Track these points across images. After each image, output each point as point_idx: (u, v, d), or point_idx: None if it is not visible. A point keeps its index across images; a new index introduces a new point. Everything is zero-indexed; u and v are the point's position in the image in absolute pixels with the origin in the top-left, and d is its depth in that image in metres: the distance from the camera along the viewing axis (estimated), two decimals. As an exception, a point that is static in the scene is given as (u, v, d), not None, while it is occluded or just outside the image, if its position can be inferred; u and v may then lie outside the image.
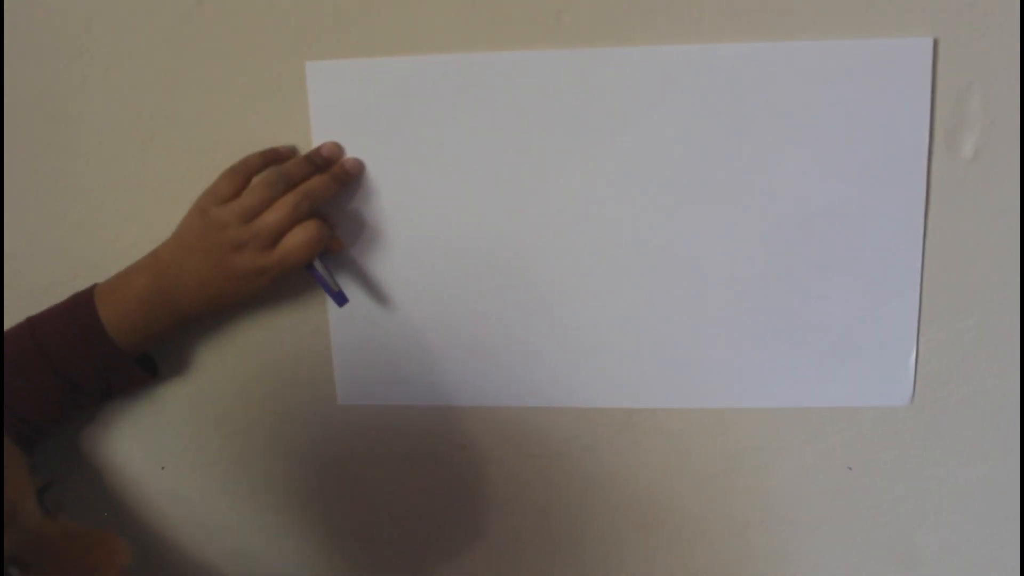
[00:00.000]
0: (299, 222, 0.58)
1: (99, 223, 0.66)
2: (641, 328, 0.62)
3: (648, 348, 0.63)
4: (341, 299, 0.61)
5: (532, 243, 0.61)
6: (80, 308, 0.60)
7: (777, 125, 0.58)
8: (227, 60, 0.61)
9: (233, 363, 0.67)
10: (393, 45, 0.59)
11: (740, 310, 0.61)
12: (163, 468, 0.70)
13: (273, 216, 0.57)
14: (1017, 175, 0.58)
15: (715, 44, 0.57)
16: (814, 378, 0.62)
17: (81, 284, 0.61)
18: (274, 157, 0.61)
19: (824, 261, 0.60)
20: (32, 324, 0.60)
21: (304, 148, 0.62)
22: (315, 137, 0.61)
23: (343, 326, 0.65)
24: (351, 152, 0.61)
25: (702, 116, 0.58)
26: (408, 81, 0.60)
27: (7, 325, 0.60)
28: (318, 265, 0.60)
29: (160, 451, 0.70)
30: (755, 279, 0.61)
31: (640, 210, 0.60)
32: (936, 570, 0.66)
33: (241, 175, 0.59)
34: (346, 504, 0.70)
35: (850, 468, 0.64)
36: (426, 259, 0.63)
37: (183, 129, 0.63)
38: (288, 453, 0.68)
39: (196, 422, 0.69)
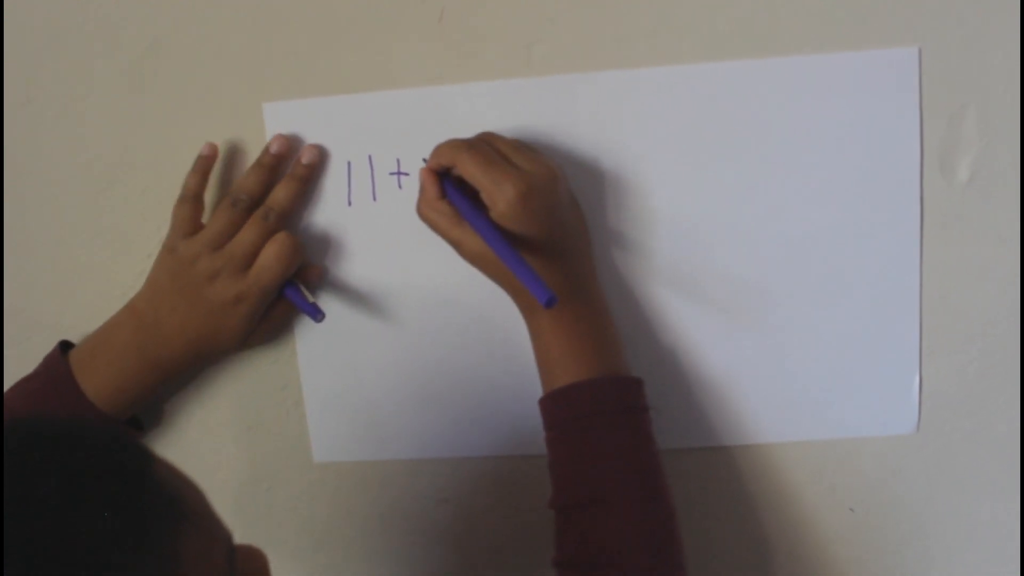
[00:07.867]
0: (270, 236, 0.56)
1: (55, 280, 0.63)
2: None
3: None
4: (316, 312, 0.57)
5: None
6: (59, 382, 0.57)
7: (762, 148, 0.56)
8: (183, 103, 0.59)
9: (198, 422, 0.64)
10: (356, 83, 0.58)
11: (730, 341, 0.59)
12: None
13: (242, 236, 0.56)
14: (1016, 199, 0.56)
15: (693, 65, 0.55)
16: (813, 409, 0.60)
17: (36, 346, 0.59)
18: (204, 165, 0.58)
19: (817, 287, 0.58)
20: (8, 409, 0.56)
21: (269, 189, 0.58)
22: (277, 181, 0.58)
23: (315, 379, 0.62)
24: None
25: (682, 140, 0.56)
26: (373, 118, 0.58)
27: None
28: (298, 284, 0.58)
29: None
30: (744, 307, 0.58)
31: (622, 241, 0.58)
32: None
33: (190, 200, 0.57)
34: (325, 566, 0.67)
35: (852, 510, 0.62)
36: (399, 307, 0.60)
37: (141, 176, 0.61)
38: (262, 515, 0.66)
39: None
